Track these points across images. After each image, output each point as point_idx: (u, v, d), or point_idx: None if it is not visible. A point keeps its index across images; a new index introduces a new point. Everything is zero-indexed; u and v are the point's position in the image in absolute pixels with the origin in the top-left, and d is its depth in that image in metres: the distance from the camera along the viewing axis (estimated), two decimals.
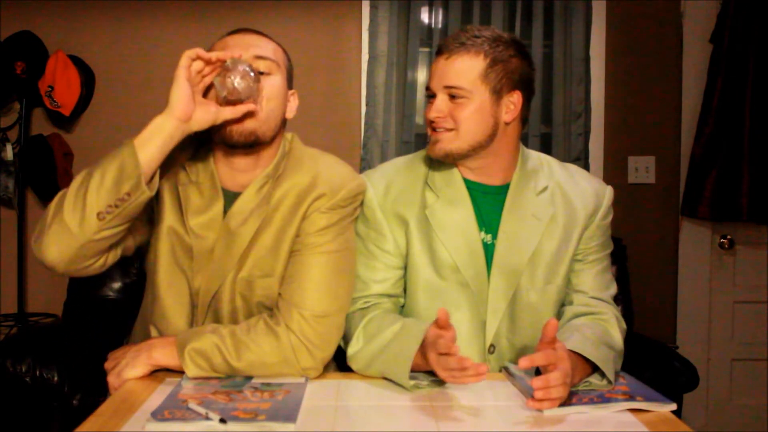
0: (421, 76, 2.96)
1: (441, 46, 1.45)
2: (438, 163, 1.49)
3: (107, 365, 1.41)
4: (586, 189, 1.52)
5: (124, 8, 2.91)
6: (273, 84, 1.40)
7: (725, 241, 3.02)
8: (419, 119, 2.92)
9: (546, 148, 2.92)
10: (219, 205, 1.42)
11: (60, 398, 2.02)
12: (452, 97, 1.41)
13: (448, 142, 1.42)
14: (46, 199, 2.89)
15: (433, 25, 2.93)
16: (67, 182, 1.37)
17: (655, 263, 3.03)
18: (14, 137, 2.83)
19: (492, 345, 1.47)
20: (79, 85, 2.80)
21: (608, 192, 1.54)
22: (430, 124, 1.45)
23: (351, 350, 1.41)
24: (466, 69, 1.40)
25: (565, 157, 2.88)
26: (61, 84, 2.76)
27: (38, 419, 2.04)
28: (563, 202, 1.49)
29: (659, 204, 3.04)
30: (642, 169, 3.01)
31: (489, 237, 1.47)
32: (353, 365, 1.41)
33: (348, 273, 1.46)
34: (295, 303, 1.38)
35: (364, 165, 2.85)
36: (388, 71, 2.86)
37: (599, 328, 1.42)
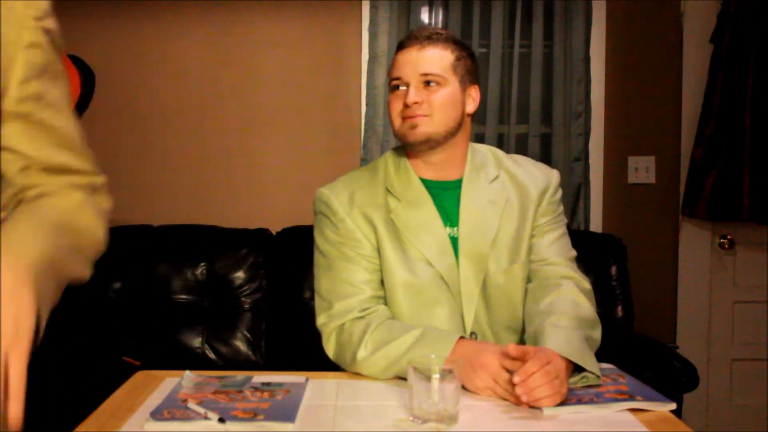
0: None
1: (406, 40, 1.52)
2: (394, 168, 1.55)
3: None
4: (535, 172, 1.61)
5: (124, 8, 2.91)
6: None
7: (725, 241, 3.02)
8: None
9: (546, 148, 2.93)
10: None
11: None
12: (427, 84, 1.48)
13: (426, 126, 1.47)
14: None
15: (433, 25, 2.93)
16: None
17: (655, 263, 3.02)
18: None
19: (473, 333, 1.50)
20: (79, 85, 2.79)
21: (555, 173, 1.64)
22: (405, 111, 1.49)
23: (360, 355, 1.39)
24: (439, 58, 1.49)
25: (565, 157, 2.89)
26: None
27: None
28: (514, 186, 1.57)
29: (659, 204, 3.03)
30: (642, 169, 3.01)
31: (455, 230, 1.52)
32: (364, 370, 1.41)
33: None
34: None
35: (364, 165, 2.84)
36: (388, 71, 2.85)
37: (568, 304, 1.45)
